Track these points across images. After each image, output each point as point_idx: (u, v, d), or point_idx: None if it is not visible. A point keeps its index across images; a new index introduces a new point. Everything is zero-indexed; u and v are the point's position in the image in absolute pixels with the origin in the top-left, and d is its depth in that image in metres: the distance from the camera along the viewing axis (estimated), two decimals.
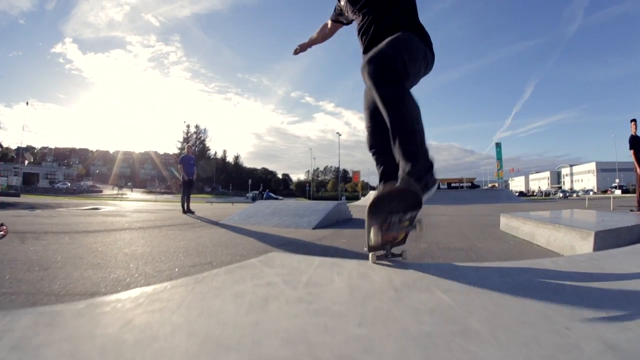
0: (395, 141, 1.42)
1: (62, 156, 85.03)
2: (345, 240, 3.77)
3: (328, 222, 5.63)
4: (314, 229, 4.95)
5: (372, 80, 1.42)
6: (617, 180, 65.60)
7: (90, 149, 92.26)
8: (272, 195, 49.75)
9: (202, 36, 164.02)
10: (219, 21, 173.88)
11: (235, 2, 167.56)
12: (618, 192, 49.00)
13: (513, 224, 4.28)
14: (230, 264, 2.50)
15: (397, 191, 1.32)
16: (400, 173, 1.40)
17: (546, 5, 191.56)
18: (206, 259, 2.61)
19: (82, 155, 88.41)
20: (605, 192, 48.58)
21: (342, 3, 1.93)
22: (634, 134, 7.45)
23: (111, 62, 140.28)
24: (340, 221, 6.16)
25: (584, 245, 2.68)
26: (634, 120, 7.42)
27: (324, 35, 2.34)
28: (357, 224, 5.82)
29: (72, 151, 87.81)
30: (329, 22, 2.26)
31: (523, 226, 3.91)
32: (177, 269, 2.28)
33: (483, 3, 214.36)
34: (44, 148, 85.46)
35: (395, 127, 1.41)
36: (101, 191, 50.26)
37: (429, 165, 1.47)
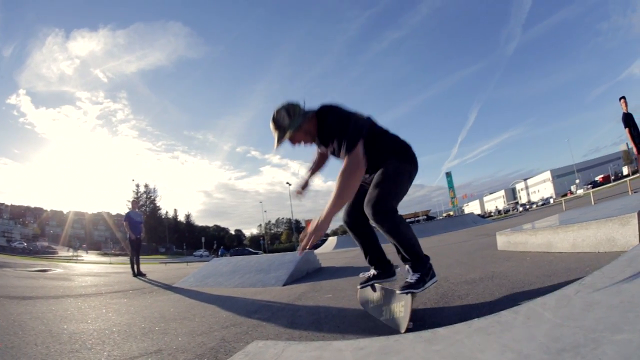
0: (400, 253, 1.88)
1: (18, 214, 76.59)
2: (330, 295, 3.05)
3: (298, 275, 4.92)
4: (284, 285, 4.23)
5: (375, 222, 1.80)
6: (577, 182, 61.74)
7: (44, 208, 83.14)
8: (251, 250, 41.65)
9: (148, 92, 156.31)
10: (164, 77, 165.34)
11: (179, 57, 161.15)
12: (580, 191, 45.87)
13: (518, 240, 3.82)
14: (187, 350, 1.72)
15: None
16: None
17: (484, 29, 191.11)
18: (153, 344, 1.90)
19: (37, 214, 79.86)
20: (564, 195, 44.49)
21: (330, 152, 2.01)
22: (625, 111, 6.61)
23: (62, 117, 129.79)
24: (310, 272, 5.46)
25: (627, 231, 2.39)
26: (623, 98, 6.62)
27: (321, 164, 2.30)
28: (330, 273, 5.16)
29: (27, 209, 79.77)
30: (319, 153, 2.25)
31: (532, 238, 3.50)
32: None
33: (421, 37, 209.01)
34: (1, 204, 77.52)
35: (397, 243, 1.83)
36: (56, 252, 45.24)
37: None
